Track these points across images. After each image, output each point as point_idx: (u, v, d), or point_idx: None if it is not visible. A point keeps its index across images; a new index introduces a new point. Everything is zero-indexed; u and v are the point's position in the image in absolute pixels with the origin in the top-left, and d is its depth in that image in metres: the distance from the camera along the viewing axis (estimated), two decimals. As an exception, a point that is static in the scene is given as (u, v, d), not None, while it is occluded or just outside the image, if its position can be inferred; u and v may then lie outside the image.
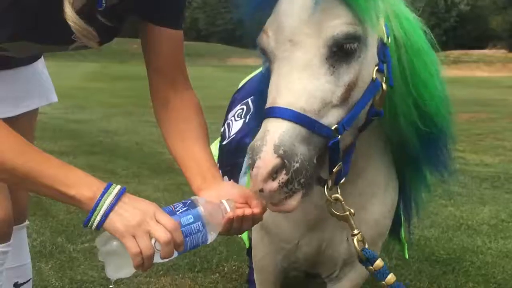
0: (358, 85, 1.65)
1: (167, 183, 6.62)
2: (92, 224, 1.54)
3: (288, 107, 1.55)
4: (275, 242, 2.32)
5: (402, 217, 2.55)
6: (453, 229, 5.22)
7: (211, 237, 1.64)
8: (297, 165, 1.52)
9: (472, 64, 48.48)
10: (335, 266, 2.32)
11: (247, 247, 2.94)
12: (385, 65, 1.74)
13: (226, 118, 3.20)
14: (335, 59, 1.61)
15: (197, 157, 1.90)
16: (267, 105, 1.61)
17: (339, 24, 1.59)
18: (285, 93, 1.58)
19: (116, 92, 19.72)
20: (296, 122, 1.54)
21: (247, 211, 1.64)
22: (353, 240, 1.81)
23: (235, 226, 1.67)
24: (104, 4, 1.78)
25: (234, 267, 4.27)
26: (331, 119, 1.61)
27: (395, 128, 1.95)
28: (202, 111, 2.07)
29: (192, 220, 1.60)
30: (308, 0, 1.61)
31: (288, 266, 2.41)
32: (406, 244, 2.87)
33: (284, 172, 1.51)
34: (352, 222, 1.83)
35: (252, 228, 2.48)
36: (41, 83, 2.58)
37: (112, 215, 1.53)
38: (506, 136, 10.84)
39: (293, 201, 1.59)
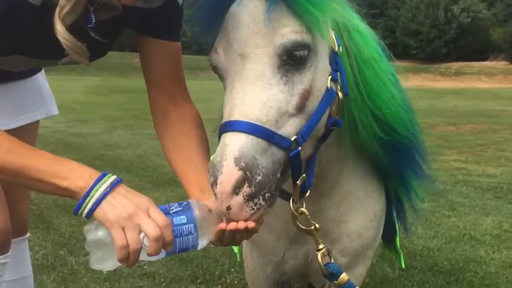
0: (312, 94, 1.64)
1: (169, 196, 6.62)
2: (82, 212, 1.52)
3: (244, 120, 1.53)
4: (263, 255, 2.32)
5: (397, 226, 2.54)
6: (456, 239, 5.20)
7: (202, 242, 1.61)
8: (259, 177, 1.50)
9: (473, 75, 48.65)
10: (324, 278, 2.32)
11: (238, 260, 2.94)
12: (338, 73, 1.74)
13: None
14: (287, 68, 1.60)
15: (196, 169, 1.89)
16: (223, 120, 1.59)
17: (287, 32, 1.59)
18: (239, 106, 1.56)
19: (118, 106, 19.76)
20: (254, 134, 1.52)
21: (240, 225, 1.57)
22: (317, 255, 1.83)
23: (227, 237, 1.63)
24: (93, 21, 1.77)
25: (236, 279, 4.26)
26: (290, 129, 1.59)
27: (356, 140, 1.94)
28: (202, 123, 2.06)
29: (185, 221, 1.57)
30: (255, 12, 1.61)
31: (278, 278, 2.40)
32: (401, 254, 2.87)
33: (246, 185, 1.49)
34: (318, 236, 1.83)
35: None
36: (41, 96, 2.58)
37: (103, 204, 1.51)
38: (508, 147, 10.83)
39: (258, 214, 1.56)
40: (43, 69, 2.58)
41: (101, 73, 38.33)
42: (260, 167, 1.51)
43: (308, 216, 1.79)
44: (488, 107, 20.49)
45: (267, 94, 1.56)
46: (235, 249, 3.06)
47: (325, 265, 1.83)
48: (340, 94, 1.72)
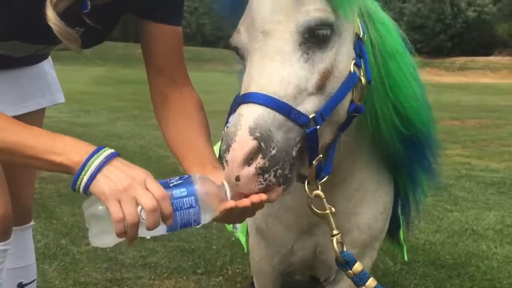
0: (334, 75, 1.60)
1: (171, 187, 6.61)
2: (79, 186, 1.48)
3: (261, 92, 1.49)
4: (271, 246, 2.30)
5: (401, 219, 2.54)
6: (459, 234, 5.20)
7: (205, 217, 1.53)
8: (274, 151, 1.44)
9: (478, 70, 48.44)
10: (330, 270, 2.32)
11: (245, 251, 2.92)
12: (362, 60, 1.71)
13: (226, 121, 3.20)
14: (308, 45, 1.56)
15: (197, 148, 1.85)
16: (240, 94, 1.56)
17: (311, 10, 1.56)
18: (257, 79, 1.52)
19: (121, 96, 19.72)
20: (270, 107, 1.47)
21: (255, 198, 1.50)
22: (331, 240, 1.72)
23: (236, 213, 1.56)
24: (89, 6, 1.73)
25: (238, 270, 4.26)
26: (308, 107, 1.54)
27: (376, 133, 1.92)
28: (203, 107, 2.03)
29: (185, 193, 1.49)
30: None
31: (284, 269, 2.40)
32: (405, 246, 2.87)
33: (260, 156, 1.44)
34: (332, 221, 1.73)
35: (249, 232, 2.47)
36: (46, 84, 2.56)
37: (99, 177, 1.47)
38: (511, 142, 10.79)
39: (273, 195, 1.50)
40: (49, 57, 2.56)
41: (106, 63, 38.33)
42: (275, 140, 1.45)
43: (324, 199, 1.71)
44: (492, 102, 20.43)
45: (286, 69, 1.53)
46: (242, 240, 3.04)
47: (340, 252, 1.72)
48: (363, 79, 1.69)
